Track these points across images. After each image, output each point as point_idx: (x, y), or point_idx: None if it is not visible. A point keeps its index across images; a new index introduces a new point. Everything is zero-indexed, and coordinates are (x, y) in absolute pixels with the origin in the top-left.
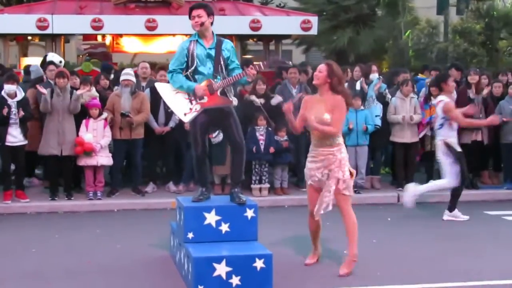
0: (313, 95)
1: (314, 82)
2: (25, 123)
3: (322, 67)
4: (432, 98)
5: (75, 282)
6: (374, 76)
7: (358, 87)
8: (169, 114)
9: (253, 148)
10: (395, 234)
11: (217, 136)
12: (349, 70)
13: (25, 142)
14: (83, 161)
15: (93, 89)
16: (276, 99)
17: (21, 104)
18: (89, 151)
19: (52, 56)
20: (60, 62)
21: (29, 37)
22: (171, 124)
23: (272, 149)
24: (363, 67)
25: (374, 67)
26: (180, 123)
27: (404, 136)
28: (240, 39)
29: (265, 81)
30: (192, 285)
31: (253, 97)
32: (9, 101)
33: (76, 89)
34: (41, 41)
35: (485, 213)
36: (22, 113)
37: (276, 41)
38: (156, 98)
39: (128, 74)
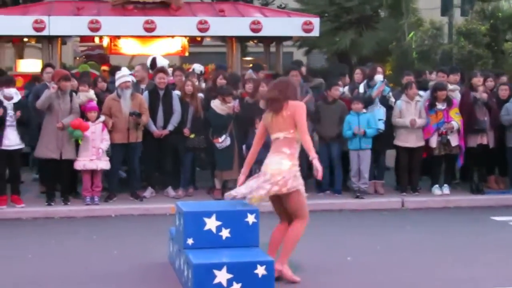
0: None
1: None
2: (22, 126)
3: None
4: (437, 103)
5: None
6: (379, 77)
7: (361, 89)
8: (167, 116)
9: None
10: (400, 240)
11: (224, 141)
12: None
13: (22, 146)
14: (81, 165)
15: (91, 91)
16: None
17: (19, 106)
18: (81, 133)
19: (199, 67)
20: (201, 72)
21: (25, 39)
22: (170, 127)
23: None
24: (364, 70)
25: (379, 69)
26: (179, 127)
27: (408, 140)
28: (240, 40)
29: (267, 83)
30: None
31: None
32: (5, 103)
33: (74, 91)
34: (38, 43)
35: (492, 219)
36: (18, 113)
37: (277, 43)
38: (154, 100)
39: (125, 76)
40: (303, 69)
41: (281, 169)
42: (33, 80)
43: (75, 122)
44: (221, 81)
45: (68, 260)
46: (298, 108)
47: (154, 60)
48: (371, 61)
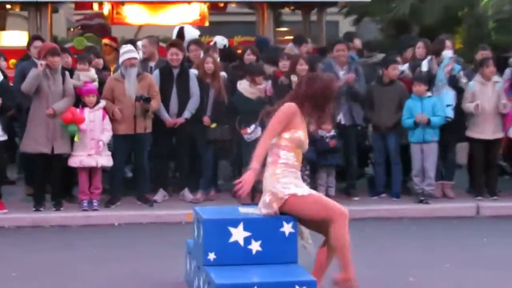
0: None
1: None
2: (4, 114)
3: None
4: None
5: None
6: (447, 53)
7: (424, 67)
8: (183, 102)
9: None
10: (474, 256)
11: (254, 132)
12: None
13: (4, 138)
14: (77, 161)
15: (92, 70)
16: None
17: (0, 90)
18: (76, 127)
19: (222, 40)
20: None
21: (8, 6)
22: (186, 114)
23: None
24: (428, 43)
25: (447, 42)
26: (197, 114)
27: (485, 131)
28: (273, 6)
29: (307, 61)
30: None
31: (295, 78)
32: None
33: (68, 70)
34: (23, 10)
35: None
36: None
37: (318, 10)
38: (167, 81)
39: (130, 52)
40: (357, 42)
41: (265, 185)
42: (27, 58)
43: (67, 115)
44: (248, 57)
45: (61, 279)
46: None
47: (181, 31)
48: (436, 32)
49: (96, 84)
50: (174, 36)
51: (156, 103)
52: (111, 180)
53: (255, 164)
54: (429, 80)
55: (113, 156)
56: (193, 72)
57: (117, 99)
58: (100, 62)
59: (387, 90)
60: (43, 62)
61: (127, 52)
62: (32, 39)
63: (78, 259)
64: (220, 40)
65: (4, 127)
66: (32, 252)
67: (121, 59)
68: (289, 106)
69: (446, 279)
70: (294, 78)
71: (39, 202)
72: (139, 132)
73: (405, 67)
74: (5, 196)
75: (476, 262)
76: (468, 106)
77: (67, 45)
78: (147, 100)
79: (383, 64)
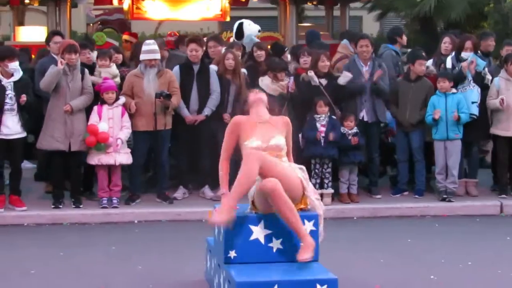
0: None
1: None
2: (24, 111)
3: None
4: None
5: None
6: (466, 55)
7: (449, 64)
8: (203, 98)
9: (315, 137)
10: (497, 255)
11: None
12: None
13: (24, 135)
14: (96, 159)
15: (113, 65)
16: (345, 77)
17: (20, 86)
18: (103, 144)
19: (251, 26)
20: (259, 31)
21: (26, 1)
22: (206, 111)
23: (332, 136)
24: (454, 39)
25: (467, 44)
26: (217, 111)
27: (509, 128)
28: (296, 2)
29: (329, 57)
30: None
31: (311, 74)
32: (4, 81)
33: (89, 67)
34: (42, 5)
35: None
36: (24, 98)
37: (342, 5)
38: (187, 77)
39: (152, 52)
40: (404, 39)
41: None
42: (45, 54)
43: (90, 140)
44: (256, 53)
45: (80, 277)
46: None
47: (240, 27)
48: (461, 28)
49: (118, 80)
50: (234, 32)
51: (176, 100)
52: (130, 177)
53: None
54: (457, 77)
55: (132, 153)
56: (213, 68)
57: (136, 95)
58: (119, 57)
59: (413, 86)
60: (63, 61)
61: (148, 52)
62: (52, 34)
63: (97, 257)
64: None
65: (23, 124)
66: (51, 249)
67: (141, 57)
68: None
69: (468, 277)
70: (311, 74)
71: (58, 199)
72: (160, 129)
73: (429, 63)
74: (24, 193)
75: (499, 261)
76: (493, 102)
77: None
78: (168, 96)
79: (409, 60)
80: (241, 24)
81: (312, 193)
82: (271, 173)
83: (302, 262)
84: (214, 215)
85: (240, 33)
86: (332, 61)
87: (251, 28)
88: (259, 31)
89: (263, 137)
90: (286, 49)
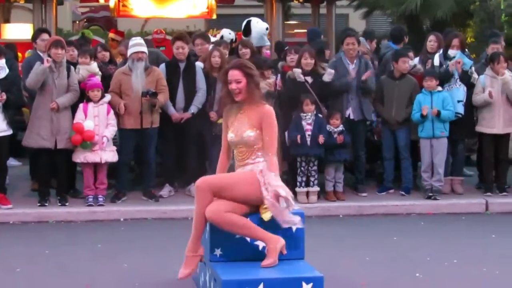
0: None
1: (237, 99)
2: (8, 108)
3: (235, 73)
4: None
5: None
6: (452, 53)
7: (436, 61)
8: (189, 96)
9: (297, 139)
10: (482, 253)
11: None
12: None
13: (9, 132)
14: (81, 157)
15: (94, 63)
16: (329, 74)
17: (5, 84)
18: (88, 142)
19: (229, 33)
20: (267, 29)
21: None
22: (193, 109)
23: (321, 139)
24: (439, 37)
25: (454, 41)
26: (204, 109)
27: (495, 125)
28: (282, 0)
29: (313, 55)
30: None
31: (297, 71)
32: None
33: (73, 64)
34: (27, 2)
35: None
36: (4, 96)
37: (328, 3)
38: (173, 75)
39: (139, 45)
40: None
41: None
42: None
43: (76, 138)
44: (241, 51)
45: (66, 275)
46: None
47: (248, 25)
48: (447, 26)
49: (98, 78)
50: (242, 30)
51: (163, 98)
52: (117, 175)
53: None
54: (444, 75)
55: (118, 151)
56: (199, 65)
57: (124, 93)
58: (106, 55)
59: (397, 84)
60: (49, 59)
61: (135, 45)
62: (39, 32)
63: (83, 255)
64: (227, 34)
65: (8, 122)
66: (36, 247)
67: (129, 52)
68: None
69: (454, 275)
70: (296, 70)
71: (44, 197)
72: (146, 127)
73: (416, 61)
74: (10, 191)
75: (484, 259)
76: (481, 97)
77: (73, 38)
78: (154, 94)
79: (393, 58)
80: (249, 22)
81: (270, 193)
82: (223, 190)
83: (296, 264)
84: (180, 270)
85: (247, 31)
86: None
87: (259, 26)
88: (266, 28)
89: (237, 130)
90: (286, 48)
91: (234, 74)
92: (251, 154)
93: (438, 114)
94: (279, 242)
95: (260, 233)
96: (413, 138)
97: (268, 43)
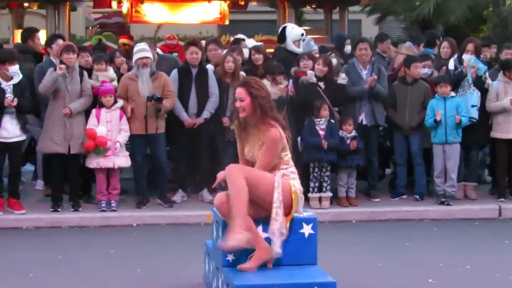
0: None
1: (241, 116)
2: (23, 113)
3: (240, 91)
4: None
5: None
6: (467, 57)
7: (451, 66)
8: (202, 102)
9: (314, 146)
10: (495, 259)
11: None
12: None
13: (23, 138)
14: (94, 162)
15: (110, 69)
16: (343, 79)
17: (18, 89)
18: (101, 148)
19: (294, 29)
20: (302, 35)
21: (25, 4)
22: (205, 114)
23: (325, 144)
24: (453, 43)
25: (469, 46)
26: (216, 114)
27: (510, 131)
28: (294, 5)
29: (328, 62)
30: None
31: (309, 73)
32: (3, 84)
33: (87, 69)
34: (41, 8)
35: None
36: (15, 101)
37: (341, 8)
38: (185, 80)
39: (143, 51)
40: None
41: None
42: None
43: (88, 144)
44: (254, 57)
45: (79, 280)
46: None
47: (283, 31)
48: (460, 31)
49: (115, 83)
50: (277, 36)
51: (169, 103)
52: (135, 180)
53: None
54: (459, 77)
55: (131, 156)
56: (210, 68)
57: (130, 98)
58: (123, 61)
59: (410, 89)
60: (63, 66)
61: (140, 51)
62: (54, 37)
63: (96, 260)
64: (251, 41)
65: (22, 127)
66: (49, 252)
67: (134, 58)
68: None
69: (467, 281)
70: (310, 72)
71: (57, 203)
72: (151, 132)
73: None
74: (23, 196)
75: (497, 265)
76: (500, 103)
77: (86, 44)
78: (159, 100)
79: (405, 63)
80: (284, 28)
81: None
82: (251, 177)
83: (308, 269)
84: (228, 239)
85: (283, 37)
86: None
87: (294, 32)
88: (302, 34)
89: (251, 151)
90: (330, 53)
91: (239, 92)
92: (271, 170)
93: (460, 122)
94: (269, 254)
95: (259, 238)
96: (426, 147)
97: (315, 47)
